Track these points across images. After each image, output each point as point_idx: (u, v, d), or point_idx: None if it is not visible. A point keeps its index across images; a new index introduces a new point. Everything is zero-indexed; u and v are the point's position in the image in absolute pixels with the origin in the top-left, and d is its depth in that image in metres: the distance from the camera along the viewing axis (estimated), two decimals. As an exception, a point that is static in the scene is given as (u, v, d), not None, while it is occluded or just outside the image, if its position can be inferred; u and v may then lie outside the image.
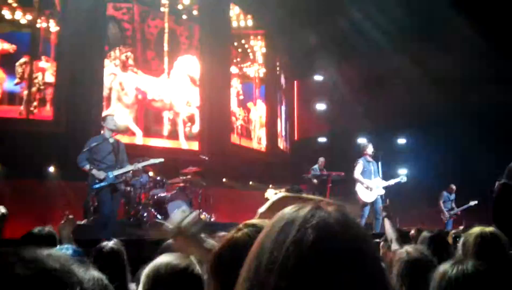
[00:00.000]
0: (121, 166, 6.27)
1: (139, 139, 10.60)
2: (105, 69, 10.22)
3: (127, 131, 9.71)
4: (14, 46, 9.11)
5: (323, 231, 0.71)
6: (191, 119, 11.67)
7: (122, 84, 10.45)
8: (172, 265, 1.61)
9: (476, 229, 2.38)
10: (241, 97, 13.03)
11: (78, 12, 9.43)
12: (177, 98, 11.40)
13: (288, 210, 0.78)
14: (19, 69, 9.17)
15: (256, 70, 13.63)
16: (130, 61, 10.58)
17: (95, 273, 0.66)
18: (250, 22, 13.43)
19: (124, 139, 9.97)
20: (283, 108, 14.76)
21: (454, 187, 10.69)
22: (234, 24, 13.02)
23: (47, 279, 0.60)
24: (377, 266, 0.74)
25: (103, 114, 6.66)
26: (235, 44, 12.97)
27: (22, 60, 9.20)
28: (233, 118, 12.71)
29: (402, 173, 9.44)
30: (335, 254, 0.69)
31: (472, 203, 10.49)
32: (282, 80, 14.89)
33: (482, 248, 2.27)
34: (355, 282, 0.68)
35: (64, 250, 2.32)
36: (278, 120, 14.38)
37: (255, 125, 13.46)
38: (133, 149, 9.27)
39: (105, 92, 10.18)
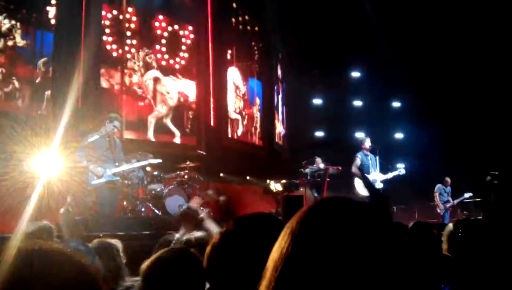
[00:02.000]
0: (119, 163, 6.26)
1: (177, 139, 11.03)
2: (148, 73, 10.69)
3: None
4: (27, 41, 9.14)
5: None
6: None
7: (166, 87, 10.91)
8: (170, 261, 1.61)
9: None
10: (246, 97, 13.16)
11: (72, 6, 9.43)
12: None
13: None
14: (42, 68, 9.18)
15: (252, 64, 13.61)
16: (154, 64, 10.84)
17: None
18: (247, 17, 13.40)
19: (164, 138, 10.67)
20: (280, 97, 14.78)
21: (449, 180, 10.74)
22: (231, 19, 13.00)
23: (93, 267, 0.80)
24: None
25: (113, 114, 6.60)
26: (233, 39, 12.95)
27: (44, 58, 9.24)
28: (239, 116, 12.87)
29: (400, 167, 9.44)
30: None
31: (467, 195, 10.59)
32: (279, 72, 14.92)
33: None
34: None
35: (75, 244, 2.35)
36: (275, 114, 14.39)
37: (255, 121, 13.49)
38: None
39: (150, 95, 10.59)
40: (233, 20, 13.04)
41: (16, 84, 8.96)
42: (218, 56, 12.13)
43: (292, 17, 13.25)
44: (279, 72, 14.93)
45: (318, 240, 0.70)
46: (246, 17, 13.38)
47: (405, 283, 0.70)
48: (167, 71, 11.09)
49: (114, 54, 10.32)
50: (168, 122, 10.93)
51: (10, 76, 8.95)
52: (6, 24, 9.02)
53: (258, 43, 13.82)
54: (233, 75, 12.86)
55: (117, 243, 2.69)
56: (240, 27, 13.26)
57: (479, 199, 10.81)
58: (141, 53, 10.65)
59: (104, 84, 10.05)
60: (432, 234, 2.91)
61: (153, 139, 10.58)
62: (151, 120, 10.67)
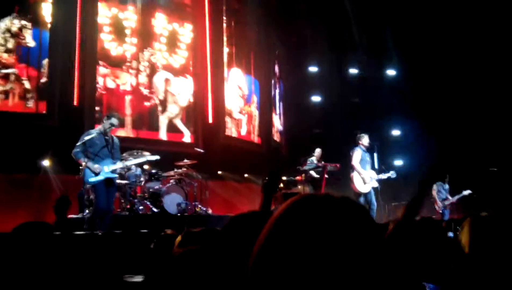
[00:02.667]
0: (116, 161, 6.26)
1: (187, 138, 11.29)
2: (157, 75, 10.89)
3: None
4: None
5: None
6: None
7: (177, 88, 11.20)
8: None
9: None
10: (246, 96, 13.28)
11: (67, 3, 9.42)
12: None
13: None
14: (46, 68, 9.22)
15: (249, 61, 13.61)
16: (158, 64, 11.00)
17: None
18: (244, 13, 13.38)
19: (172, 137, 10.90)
20: (277, 92, 14.80)
21: (447, 176, 10.59)
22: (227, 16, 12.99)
23: None
24: None
25: (111, 112, 6.61)
26: (230, 36, 12.94)
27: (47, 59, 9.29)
28: (242, 116, 13.06)
29: (398, 164, 9.44)
30: None
31: (466, 192, 10.42)
32: (276, 69, 14.93)
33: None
34: None
35: None
36: (273, 109, 14.42)
37: (253, 119, 13.53)
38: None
39: (161, 96, 10.91)
40: (231, 17, 13.02)
41: (27, 84, 8.98)
42: (216, 54, 12.12)
43: (291, 14, 13.25)
44: (277, 69, 14.94)
45: (290, 237, 0.70)
46: (244, 14, 13.34)
47: (379, 283, 0.69)
48: (176, 71, 11.24)
49: (116, 53, 10.30)
50: (177, 121, 11.14)
51: (22, 77, 8.99)
52: (16, 24, 9.03)
53: (256, 40, 13.79)
54: (236, 76, 12.96)
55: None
56: (238, 24, 13.23)
57: (477, 196, 10.68)
58: (146, 53, 10.75)
59: (109, 84, 10.12)
60: (439, 230, 2.87)
61: (165, 138, 10.85)
62: (163, 120, 10.90)
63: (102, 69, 9.99)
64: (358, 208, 0.74)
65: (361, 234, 0.70)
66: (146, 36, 10.86)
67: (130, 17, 10.66)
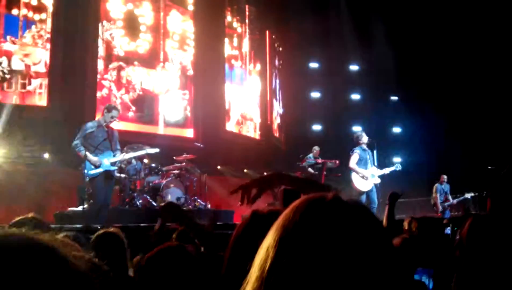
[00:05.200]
0: (115, 154, 6.27)
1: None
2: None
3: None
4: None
5: None
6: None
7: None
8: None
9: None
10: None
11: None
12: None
13: None
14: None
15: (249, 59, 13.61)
16: (189, 66, 11.36)
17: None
18: (245, 8, 13.37)
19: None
20: (277, 82, 14.82)
21: (445, 176, 10.51)
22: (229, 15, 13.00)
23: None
24: None
25: (111, 105, 6.61)
26: (230, 31, 12.94)
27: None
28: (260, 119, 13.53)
29: (397, 161, 9.42)
30: None
31: (468, 195, 10.23)
32: (276, 63, 14.95)
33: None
34: None
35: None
36: (274, 99, 14.48)
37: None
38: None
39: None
40: (234, 15, 13.03)
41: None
42: (218, 50, 12.14)
43: (291, 10, 13.23)
44: (277, 62, 14.95)
45: (304, 242, 0.68)
46: (246, 11, 13.36)
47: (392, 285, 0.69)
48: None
49: (131, 49, 10.36)
50: None
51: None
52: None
53: (256, 36, 13.78)
54: (254, 81, 13.48)
55: (120, 232, 2.67)
56: (240, 21, 13.23)
57: (477, 194, 10.61)
58: (179, 54, 11.12)
59: (146, 85, 10.45)
60: (439, 230, 2.89)
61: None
62: None
63: (138, 69, 10.27)
64: (366, 212, 0.73)
65: (372, 239, 0.69)
66: (163, 34, 10.95)
67: (145, 14, 10.66)
